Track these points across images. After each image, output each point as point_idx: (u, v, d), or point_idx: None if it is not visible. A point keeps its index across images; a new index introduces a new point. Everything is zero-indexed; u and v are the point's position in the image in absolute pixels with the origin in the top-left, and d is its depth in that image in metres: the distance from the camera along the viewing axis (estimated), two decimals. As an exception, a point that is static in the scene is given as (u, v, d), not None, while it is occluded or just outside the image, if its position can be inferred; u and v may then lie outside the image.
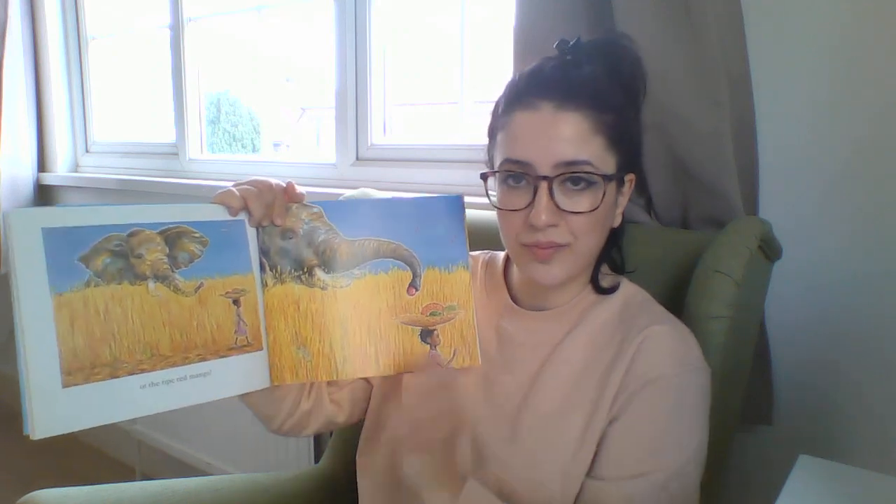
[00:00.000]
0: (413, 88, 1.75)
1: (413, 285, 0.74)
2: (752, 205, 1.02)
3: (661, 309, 0.77)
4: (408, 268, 0.74)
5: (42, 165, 2.42)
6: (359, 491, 0.87)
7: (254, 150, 2.23)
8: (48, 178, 2.39)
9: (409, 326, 0.74)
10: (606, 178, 0.69)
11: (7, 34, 2.19)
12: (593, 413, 0.72)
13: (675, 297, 0.86)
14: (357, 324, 0.73)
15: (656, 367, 0.70)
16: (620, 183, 0.74)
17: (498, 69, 1.35)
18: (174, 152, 2.14)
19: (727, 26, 0.96)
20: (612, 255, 0.80)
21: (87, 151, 2.46)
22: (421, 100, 1.81)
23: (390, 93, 1.67)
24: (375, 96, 1.64)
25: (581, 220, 0.69)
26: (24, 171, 2.32)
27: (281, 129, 2.20)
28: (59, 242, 0.60)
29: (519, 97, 0.71)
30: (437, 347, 0.74)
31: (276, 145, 2.17)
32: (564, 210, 0.69)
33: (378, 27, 1.62)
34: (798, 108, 1.01)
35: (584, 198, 0.69)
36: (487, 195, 0.77)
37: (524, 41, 1.07)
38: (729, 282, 0.80)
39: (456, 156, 1.48)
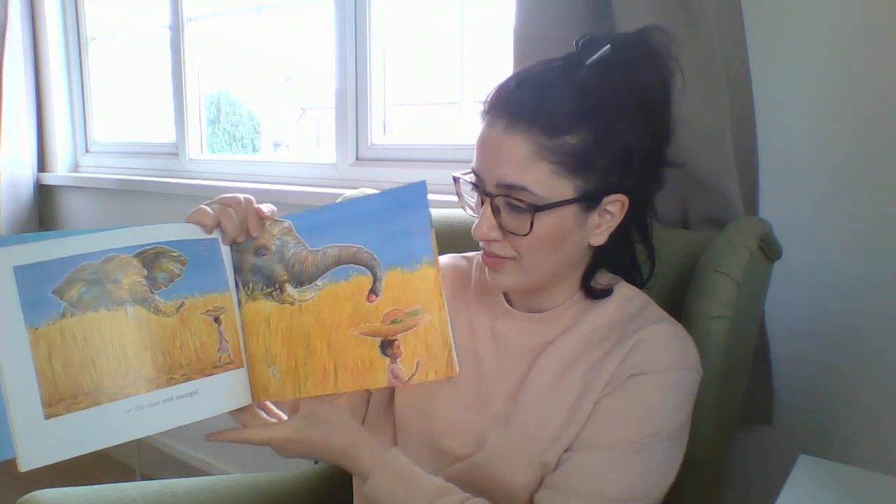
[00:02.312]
0: (413, 88, 1.75)
1: (373, 290, 0.69)
2: (752, 205, 1.02)
3: (660, 311, 0.77)
4: (368, 272, 0.69)
5: (42, 165, 2.42)
6: (353, 492, 0.88)
7: (254, 150, 2.23)
8: (48, 178, 2.39)
9: (369, 337, 0.69)
10: (536, 207, 0.67)
11: (7, 34, 2.19)
12: (578, 403, 0.72)
13: (675, 297, 0.86)
14: (318, 338, 0.70)
15: (649, 362, 0.70)
16: (592, 205, 0.70)
17: (498, 69, 1.35)
18: (174, 152, 2.14)
19: (727, 26, 0.96)
20: (595, 271, 0.78)
21: (87, 151, 2.46)
22: (421, 100, 1.81)
23: (390, 93, 1.67)
24: (375, 96, 1.64)
25: (520, 240, 0.69)
26: (24, 171, 2.31)
27: (281, 129, 2.20)
28: (32, 278, 0.60)
29: (485, 110, 0.71)
30: (399, 360, 0.68)
31: (276, 145, 2.17)
32: (504, 228, 0.70)
33: (378, 27, 1.62)
34: (798, 108, 1.01)
35: (522, 221, 0.69)
36: (459, 196, 0.77)
37: (524, 41, 1.07)
38: (729, 282, 0.80)
39: (456, 156, 1.48)
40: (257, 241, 0.71)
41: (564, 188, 0.68)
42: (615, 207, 0.71)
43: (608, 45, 0.69)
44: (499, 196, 0.69)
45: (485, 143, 0.70)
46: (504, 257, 0.72)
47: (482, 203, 0.71)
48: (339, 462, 0.72)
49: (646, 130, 0.69)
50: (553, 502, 0.68)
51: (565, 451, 0.71)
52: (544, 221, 0.68)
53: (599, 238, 0.73)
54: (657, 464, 0.69)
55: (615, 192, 0.70)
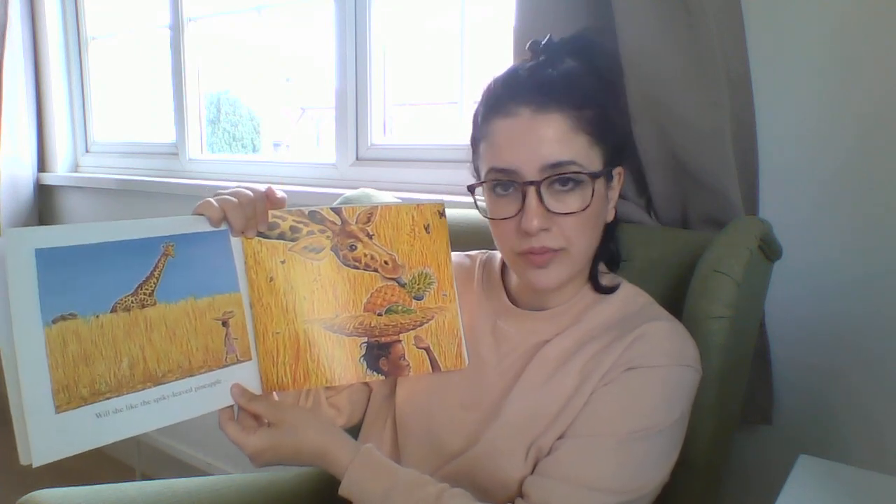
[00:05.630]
0: (413, 88, 1.75)
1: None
2: (752, 205, 1.02)
3: (662, 310, 0.77)
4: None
5: (42, 165, 2.42)
6: None
7: (254, 150, 2.23)
8: (48, 178, 2.39)
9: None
10: (593, 175, 0.69)
11: (7, 34, 2.19)
12: (573, 395, 0.72)
13: (675, 297, 0.86)
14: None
15: (646, 357, 0.70)
16: (609, 177, 0.74)
17: (498, 69, 1.34)
18: (174, 152, 2.14)
19: (727, 26, 0.96)
20: (610, 249, 0.81)
21: (87, 151, 2.46)
22: (421, 100, 1.81)
23: (390, 93, 1.67)
24: (375, 96, 1.64)
25: (573, 221, 0.69)
26: (24, 171, 2.31)
27: (281, 129, 2.20)
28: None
29: (497, 105, 0.71)
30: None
31: (276, 145, 2.17)
32: (555, 213, 0.69)
33: (378, 27, 1.62)
34: (798, 108, 1.01)
35: (574, 198, 0.69)
36: (476, 206, 0.76)
37: (524, 41, 1.06)
38: (729, 282, 0.80)
39: (456, 156, 1.48)
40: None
41: (597, 158, 0.70)
42: (616, 181, 0.75)
43: (549, 35, 0.75)
44: (545, 180, 0.68)
45: (513, 134, 0.69)
46: (555, 249, 0.70)
47: (523, 197, 0.69)
48: (315, 463, 0.72)
49: (623, 106, 0.76)
50: (537, 487, 0.67)
51: (558, 438, 0.71)
52: (595, 193, 0.70)
53: (611, 213, 0.76)
54: (645, 459, 0.68)
55: (620, 164, 0.74)
